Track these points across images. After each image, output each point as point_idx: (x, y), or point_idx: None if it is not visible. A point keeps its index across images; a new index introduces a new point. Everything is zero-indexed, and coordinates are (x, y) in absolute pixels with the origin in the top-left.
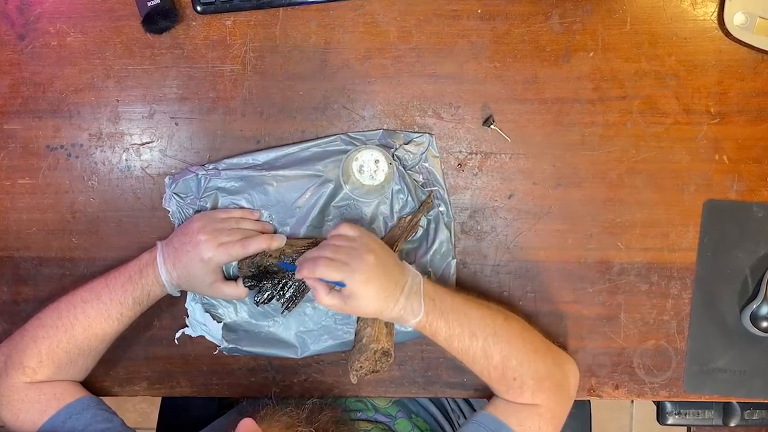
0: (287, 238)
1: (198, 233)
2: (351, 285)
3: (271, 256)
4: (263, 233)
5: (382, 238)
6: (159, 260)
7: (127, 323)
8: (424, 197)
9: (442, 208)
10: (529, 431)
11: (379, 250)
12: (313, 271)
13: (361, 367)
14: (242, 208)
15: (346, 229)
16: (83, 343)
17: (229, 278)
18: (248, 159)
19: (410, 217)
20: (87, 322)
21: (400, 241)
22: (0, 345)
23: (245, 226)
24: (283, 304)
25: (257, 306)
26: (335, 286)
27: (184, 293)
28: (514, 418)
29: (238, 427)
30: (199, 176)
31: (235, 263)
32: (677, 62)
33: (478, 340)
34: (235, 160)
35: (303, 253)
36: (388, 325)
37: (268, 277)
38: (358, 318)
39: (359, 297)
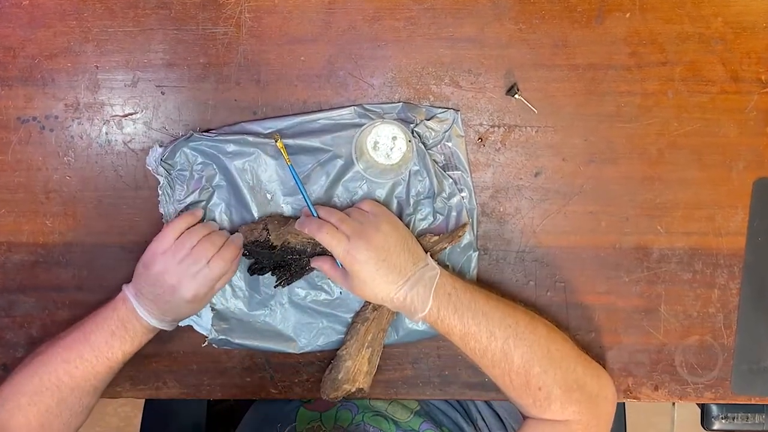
0: (292, 226)
1: (166, 279)
2: (347, 262)
3: (275, 246)
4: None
5: None
6: (142, 313)
7: (116, 372)
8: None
9: (464, 194)
10: None
11: (390, 233)
12: (314, 233)
13: (328, 396)
14: (184, 215)
15: (365, 204)
16: (75, 403)
17: None
18: (247, 132)
19: (435, 239)
20: (74, 382)
21: None
22: None
23: (197, 237)
24: (278, 279)
25: (250, 274)
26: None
27: None
28: None
29: None
30: (194, 135)
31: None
32: (724, 24)
33: (497, 341)
34: (232, 137)
35: (308, 242)
36: (372, 361)
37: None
38: (345, 339)
39: (354, 277)
